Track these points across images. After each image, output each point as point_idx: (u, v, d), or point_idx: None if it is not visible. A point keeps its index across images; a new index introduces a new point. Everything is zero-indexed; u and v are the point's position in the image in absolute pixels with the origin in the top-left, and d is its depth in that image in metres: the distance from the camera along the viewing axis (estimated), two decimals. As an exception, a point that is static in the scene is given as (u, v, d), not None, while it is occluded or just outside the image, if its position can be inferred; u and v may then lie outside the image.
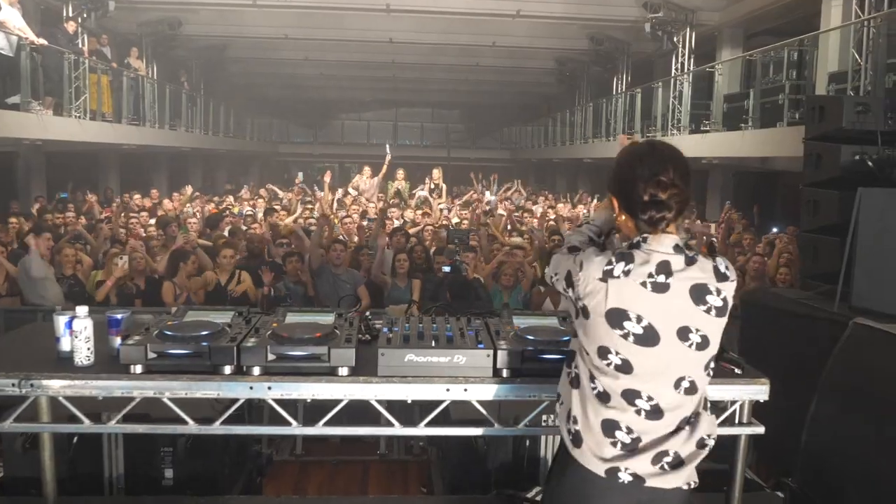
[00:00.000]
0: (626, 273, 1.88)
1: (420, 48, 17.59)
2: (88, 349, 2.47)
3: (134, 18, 15.25)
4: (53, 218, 9.32)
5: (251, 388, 2.41)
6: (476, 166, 22.96)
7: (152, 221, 9.32)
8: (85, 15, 13.12)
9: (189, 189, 13.22)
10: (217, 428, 2.50)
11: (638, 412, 1.90)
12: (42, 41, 10.40)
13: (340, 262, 6.42)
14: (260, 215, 10.16)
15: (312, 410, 2.90)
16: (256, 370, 2.43)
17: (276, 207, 10.90)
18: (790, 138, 9.57)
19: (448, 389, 2.48)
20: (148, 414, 2.73)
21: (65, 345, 2.53)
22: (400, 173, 13.53)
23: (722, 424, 2.42)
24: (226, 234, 8.60)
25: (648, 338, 1.88)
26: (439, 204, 11.71)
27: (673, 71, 14.74)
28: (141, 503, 3.45)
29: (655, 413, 1.91)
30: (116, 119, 13.30)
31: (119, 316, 2.57)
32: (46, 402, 2.87)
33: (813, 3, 11.02)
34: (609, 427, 1.92)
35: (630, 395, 1.91)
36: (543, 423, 2.79)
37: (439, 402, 2.58)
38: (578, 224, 2.14)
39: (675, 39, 14.69)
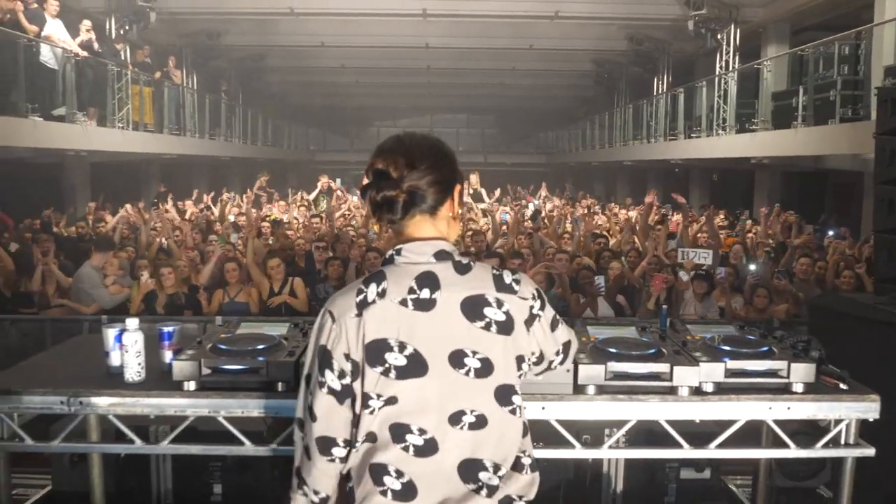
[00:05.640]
0: (382, 294, 1.57)
1: (456, 53, 17.51)
2: (139, 364, 2.35)
3: (174, 30, 15.44)
4: (90, 228, 9.25)
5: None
6: (512, 171, 22.77)
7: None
8: (127, 27, 13.30)
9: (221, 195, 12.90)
10: (276, 448, 2.35)
11: (406, 448, 1.56)
12: (85, 53, 10.52)
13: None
14: (297, 221, 10.02)
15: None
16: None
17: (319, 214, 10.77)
18: (845, 135, 9.26)
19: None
20: (196, 427, 2.59)
21: (114, 359, 2.41)
22: None
23: (825, 446, 2.20)
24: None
25: (414, 368, 1.55)
26: (481, 206, 11.37)
27: (717, 69, 14.36)
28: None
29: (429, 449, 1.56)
30: (158, 129, 13.44)
31: (170, 329, 2.46)
32: (95, 419, 2.77)
33: (863, -4, 10.64)
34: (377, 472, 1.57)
35: (398, 430, 1.56)
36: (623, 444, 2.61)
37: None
38: None
39: (718, 37, 14.31)
